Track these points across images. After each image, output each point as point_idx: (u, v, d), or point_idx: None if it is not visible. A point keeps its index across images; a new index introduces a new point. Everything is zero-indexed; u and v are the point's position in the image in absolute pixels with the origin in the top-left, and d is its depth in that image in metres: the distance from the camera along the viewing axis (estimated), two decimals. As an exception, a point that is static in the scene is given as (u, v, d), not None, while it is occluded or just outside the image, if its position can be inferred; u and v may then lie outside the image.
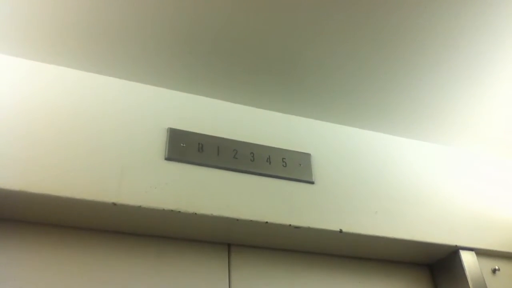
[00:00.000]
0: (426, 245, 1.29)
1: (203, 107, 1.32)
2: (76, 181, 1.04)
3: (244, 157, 1.25)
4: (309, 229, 1.19)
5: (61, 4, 1.08)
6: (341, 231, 1.21)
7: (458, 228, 1.35)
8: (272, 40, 1.19)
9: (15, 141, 1.05)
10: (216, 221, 1.13)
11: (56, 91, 1.18)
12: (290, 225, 1.17)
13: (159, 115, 1.25)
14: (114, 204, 1.05)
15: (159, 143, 1.19)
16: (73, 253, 1.09)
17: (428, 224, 1.32)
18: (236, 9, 1.11)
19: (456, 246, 1.31)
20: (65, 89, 1.19)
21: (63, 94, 1.18)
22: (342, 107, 1.41)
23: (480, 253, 1.34)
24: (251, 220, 1.14)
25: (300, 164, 1.30)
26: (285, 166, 1.28)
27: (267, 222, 1.15)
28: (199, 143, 1.23)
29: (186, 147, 1.20)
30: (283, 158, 1.29)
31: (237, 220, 1.13)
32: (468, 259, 1.30)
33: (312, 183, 1.28)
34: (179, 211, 1.09)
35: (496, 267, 1.33)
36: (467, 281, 1.26)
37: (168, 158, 1.17)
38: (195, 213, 1.10)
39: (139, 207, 1.06)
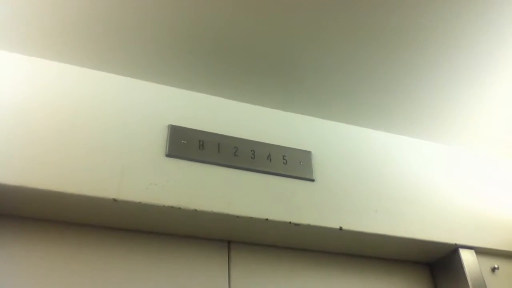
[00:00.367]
0: (426, 243, 1.30)
1: (204, 104, 1.33)
2: (77, 177, 1.05)
3: (245, 154, 1.25)
4: (309, 227, 1.19)
5: (63, 1, 1.08)
6: (341, 228, 1.21)
7: (457, 227, 1.35)
8: (272, 39, 1.19)
9: (16, 137, 1.05)
10: (216, 218, 1.13)
11: (58, 88, 1.18)
12: (290, 222, 1.17)
13: (160, 112, 1.25)
14: (115, 200, 1.05)
15: (160, 140, 1.19)
16: (73, 249, 1.09)
17: (428, 223, 1.32)
18: (237, 9, 1.11)
19: (455, 244, 1.31)
20: (66, 85, 1.19)
21: (65, 91, 1.18)
22: (343, 105, 1.42)
23: (480, 251, 1.34)
24: (251, 217, 1.14)
25: (301, 162, 1.30)
26: (286, 164, 1.28)
27: (267, 220, 1.16)
28: (199, 140, 1.23)
29: (186, 144, 1.21)
30: (283, 156, 1.29)
31: (237, 217, 1.13)
32: (467, 258, 1.31)
33: (313, 180, 1.29)
34: (180, 208, 1.09)
35: (496, 266, 1.33)
36: (467, 280, 1.26)
37: (168, 155, 1.17)
38: (196, 210, 1.10)
39: (140, 203, 1.06)
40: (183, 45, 1.20)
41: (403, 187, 1.39)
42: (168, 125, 1.22)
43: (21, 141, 1.05)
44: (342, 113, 1.44)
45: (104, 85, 1.24)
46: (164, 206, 1.08)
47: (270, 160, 1.27)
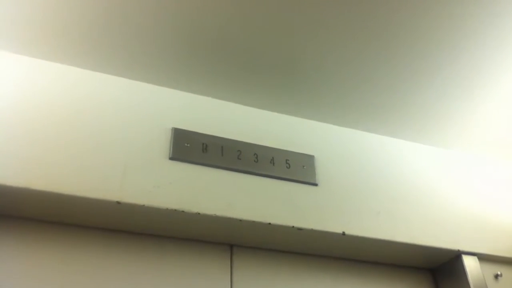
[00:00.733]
0: (428, 249, 1.29)
1: (207, 108, 1.33)
2: (80, 179, 1.05)
3: (248, 158, 1.25)
4: (312, 231, 1.19)
5: (64, 1, 1.08)
6: (344, 233, 1.21)
7: (460, 233, 1.34)
8: (275, 41, 1.19)
9: (18, 138, 1.05)
10: (219, 221, 1.13)
11: (60, 89, 1.18)
12: (293, 226, 1.17)
13: (163, 114, 1.25)
14: (118, 202, 1.04)
15: (164, 143, 1.19)
16: (75, 251, 1.09)
17: (431, 228, 1.32)
18: (238, 10, 1.11)
19: (458, 250, 1.30)
20: (69, 87, 1.19)
21: (67, 92, 1.18)
22: (346, 109, 1.41)
23: (483, 258, 1.33)
24: (254, 221, 1.14)
25: (304, 166, 1.30)
26: (289, 168, 1.28)
27: (270, 224, 1.15)
28: (203, 143, 1.23)
29: (190, 147, 1.20)
30: (286, 160, 1.29)
31: (240, 220, 1.13)
32: (470, 264, 1.30)
33: (316, 185, 1.28)
34: (183, 211, 1.09)
35: (499, 273, 1.33)
36: (469, 286, 1.25)
37: (172, 158, 1.17)
38: (199, 213, 1.10)
39: (143, 206, 1.06)
40: (187, 46, 1.20)
41: (406, 192, 1.39)
42: (172, 128, 1.22)
43: (23, 142, 1.05)
44: (346, 116, 1.44)
45: (107, 87, 1.24)
46: (167, 209, 1.08)
47: (273, 164, 1.27)
